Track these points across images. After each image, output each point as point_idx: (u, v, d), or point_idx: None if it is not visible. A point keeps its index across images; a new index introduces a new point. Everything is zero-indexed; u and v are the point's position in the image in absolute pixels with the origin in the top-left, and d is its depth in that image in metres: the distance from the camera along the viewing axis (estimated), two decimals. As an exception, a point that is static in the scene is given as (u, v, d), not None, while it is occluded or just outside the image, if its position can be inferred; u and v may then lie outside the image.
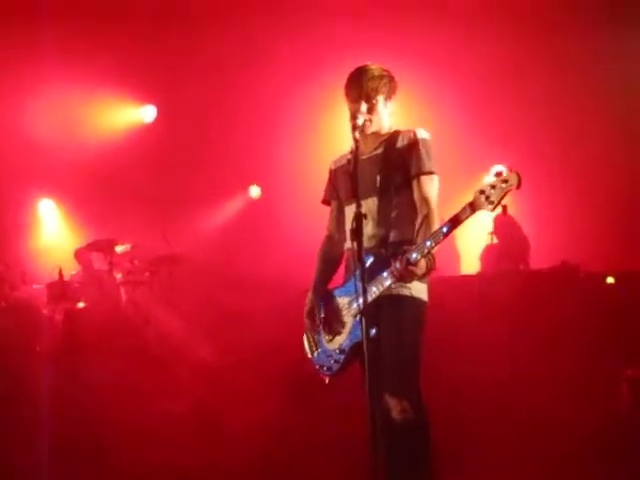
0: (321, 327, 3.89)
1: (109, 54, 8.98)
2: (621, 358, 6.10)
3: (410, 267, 3.49)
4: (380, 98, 3.85)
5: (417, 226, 3.72)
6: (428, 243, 3.49)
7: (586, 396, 5.93)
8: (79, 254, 8.63)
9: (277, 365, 6.29)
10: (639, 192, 8.44)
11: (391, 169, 3.77)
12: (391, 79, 3.90)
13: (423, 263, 3.53)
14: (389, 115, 3.92)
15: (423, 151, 3.75)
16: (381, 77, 3.86)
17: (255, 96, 9.50)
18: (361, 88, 3.80)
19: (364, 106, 3.79)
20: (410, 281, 3.63)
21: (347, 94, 3.87)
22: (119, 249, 8.41)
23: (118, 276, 8.33)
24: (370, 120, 3.82)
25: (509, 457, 5.54)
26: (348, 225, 3.88)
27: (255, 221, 9.98)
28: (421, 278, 3.62)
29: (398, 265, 3.51)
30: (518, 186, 3.36)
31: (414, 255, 3.50)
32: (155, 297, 8.18)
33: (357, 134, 3.71)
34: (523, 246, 8.56)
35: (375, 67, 3.89)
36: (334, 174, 4.06)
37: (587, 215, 8.72)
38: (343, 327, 3.78)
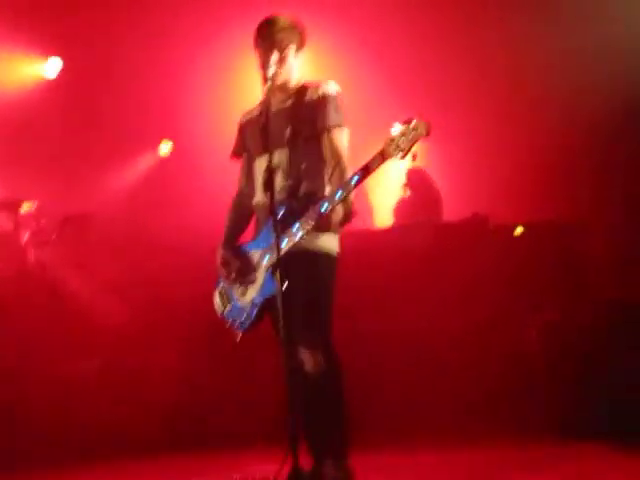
0: (232, 281, 3.84)
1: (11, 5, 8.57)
2: (530, 305, 6.29)
3: (324, 215, 3.47)
4: (291, 49, 3.81)
5: (327, 177, 3.72)
6: (339, 193, 3.48)
7: (497, 343, 6.11)
8: None
9: (190, 324, 6.24)
10: (544, 142, 8.57)
11: (300, 122, 3.74)
12: (302, 30, 3.87)
13: (339, 210, 3.52)
14: (298, 68, 3.88)
15: (332, 104, 3.73)
16: (292, 27, 3.83)
17: (165, 49, 9.25)
18: (272, 38, 3.75)
19: (275, 56, 3.73)
20: (326, 230, 3.61)
21: (257, 44, 3.82)
22: (24, 208, 8.13)
23: (24, 236, 8.06)
24: (280, 71, 3.77)
25: (423, 402, 5.70)
26: (258, 178, 3.85)
27: (166, 178, 9.79)
28: (336, 227, 3.60)
29: (311, 214, 3.50)
30: (427, 134, 3.38)
31: (325, 205, 3.49)
32: (63, 257, 7.96)
33: (269, 85, 3.68)
34: (435, 198, 8.65)
35: (285, 18, 3.84)
36: (243, 127, 4.02)
37: (496, 165, 8.85)
38: (255, 281, 3.74)
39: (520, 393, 5.75)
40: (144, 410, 6.06)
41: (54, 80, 9.63)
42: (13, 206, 8.01)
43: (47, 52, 9.55)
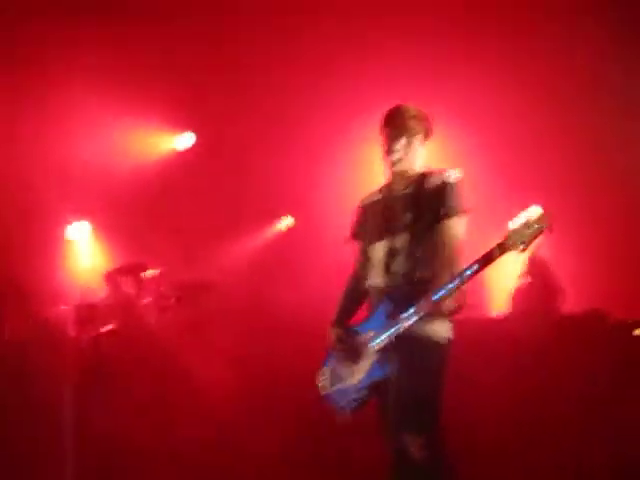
0: (341, 361, 3.84)
1: (149, 81, 9.08)
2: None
3: (435, 306, 3.47)
4: (418, 137, 3.90)
5: (439, 267, 3.70)
6: (455, 282, 3.47)
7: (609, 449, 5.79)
8: (109, 277, 8.67)
9: (292, 403, 6.24)
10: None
11: (421, 208, 3.78)
12: (429, 121, 3.96)
13: (449, 302, 3.50)
14: (422, 156, 3.95)
15: (452, 192, 3.75)
16: (420, 116, 3.92)
17: (293, 128, 9.54)
18: (401, 125, 3.86)
19: (403, 141, 3.82)
20: (437, 317, 3.59)
21: (384, 130, 3.92)
22: (148, 274, 8.44)
23: (145, 301, 8.34)
24: (405, 157, 3.85)
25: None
26: (375, 261, 3.88)
27: (285, 252, 9.96)
28: (447, 316, 3.57)
29: (424, 302, 3.49)
30: (550, 228, 3.32)
31: (439, 293, 3.48)
32: (181, 323, 8.17)
33: (393, 170, 3.76)
34: (554, 288, 8.43)
35: (414, 107, 3.96)
36: (362, 211, 4.09)
37: (618, 262, 8.58)
38: (364, 363, 3.73)
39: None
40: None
41: (185, 154, 10.07)
42: (137, 271, 8.32)
43: (181, 127, 10.04)
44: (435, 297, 3.48)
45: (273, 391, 6.64)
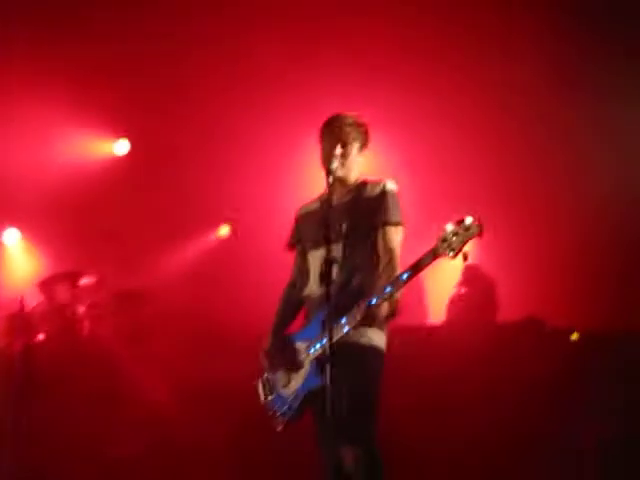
0: (277, 371, 3.82)
1: (80, 85, 8.94)
2: (586, 414, 6.08)
3: (371, 311, 3.47)
4: (355, 145, 3.90)
5: (379, 273, 3.71)
6: (388, 289, 3.49)
7: (549, 451, 5.89)
8: (42, 284, 8.50)
9: (234, 410, 6.21)
10: (609, 246, 8.46)
11: (358, 217, 3.79)
12: (366, 130, 3.97)
13: (385, 307, 3.51)
14: (359, 165, 3.96)
15: (391, 202, 3.78)
16: (359, 125, 3.93)
17: (231, 139, 9.50)
18: (339, 133, 3.86)
19: (339, 150, 3.81)
20: (371, 325, 3.60)
21: (323, 137, 3.92)
22: (83, 282, 8.30)
23: (80, 309, 8.19)
24: (342, 165, 3.84)
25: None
26: (312, 270, 3.88)
27: (222, 260, 9.89)
28: (381, 324, 3.61)
29: (358, 309, 3.50)
30: (480, 234, 3.36)
31: (374, 300, 3.49)
32: (118, 331, 8.05)
33: (331, 179, 3.74)
34: (490, 297, 8.54)
35: (352, 115, 3.97)
36: (299, 220, 4.09)
37: (555, 268, 8.74)
38: (299, 372, 3.72)
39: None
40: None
41: (119, 160, 9.95)
42: (72, 279, 8.18)
43: (116, 133, 9.92)
44: (370, 303, 3.49)
45: (212, 399, 6.60)
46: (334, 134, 3.86)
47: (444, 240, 3.39)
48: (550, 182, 8.99)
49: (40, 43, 8.57)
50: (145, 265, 9.20)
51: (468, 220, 3.37)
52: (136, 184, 9.57)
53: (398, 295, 3.54)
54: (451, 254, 3.39)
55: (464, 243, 3.37)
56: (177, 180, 9.56)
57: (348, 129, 3.88)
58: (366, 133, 3.96)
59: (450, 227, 3.40)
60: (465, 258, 3.46)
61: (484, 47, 8.78)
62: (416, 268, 3.46)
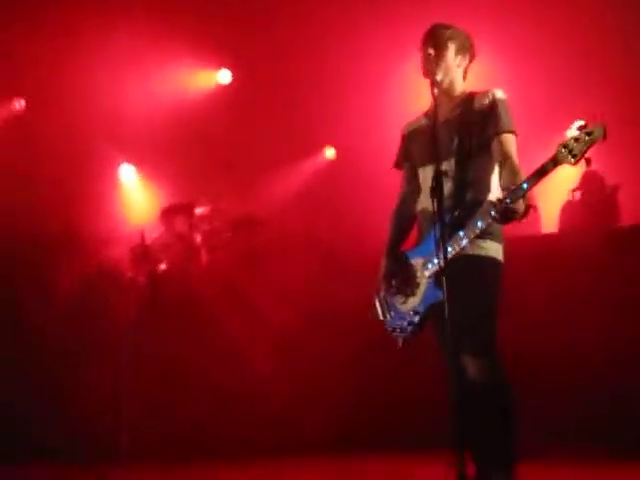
0: (395, 289, 3.86)
1: (186, 19, 9.03)
2: None
3: (510, 205, 3.38)
4: (451, 48, 3.84)
5: (497, 182, 3.68)
6: (508, 199, 3.39)
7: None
8: (163, 215, 8.75)
9: (352, 330, 6.31)
10: None
11: (469, 131, 3.74)
12: (466, 37, 3.91)
13: (521, 203, 3.41)
14: (462, 76, 3.90)
15: (502, 111, 3.71)
16: (462, 37, 3.88)
17: (331, 59, 9.41)
18: (443, 44, 3.80)
19: (444, 62, 3.78)
20: (511, 220, 3.48)
21: (424, 50, 3.84)
22: (198, 211, 8.51)
23: (198, 239, 8.43)
24: (446, 78, 3.81)
25: (587, 415, 5.46)
26: (424, 186, 3.87)
27: (331, 183, 9.94)
28: (521, 218, 3.46)
29: (497, 206, 3.41)
30: (604, 138, 3.27)
31: (508, 200, 3.40)
32: (235, 259, 8.27)
33: (436, 91, 3.69)
34: (608, 202, 8.29)
35: (454, 26, 3.90)
36: (407, 137, 4.05)
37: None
38: (417, 288, 3.75)
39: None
40: (311, 412, 6.20)
41: (223, 90, 10.06)
42: (188, 210, 8.41)
43: (217, 64, 10.01)
44: (507, 201, 3.38)
45: (331, 321, 6.73)
46: (436, 46, 3.80)
47: (565, 146, 3.32)
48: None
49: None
50: (257, 192, 9.34)
51: (591, 125, 3.29)
52: (240, 113, 9.65)
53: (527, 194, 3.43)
54: (573, 160, 3.32)
55: (586, 149, 3.29)
56: (280, 106, 9.59)
57: (451, 41, 3.82)
58: (470, 45, 3.89)
59: (572, 133, 3.33)
60: (588, 164, 3.38)
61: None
62: (536, 177, 3.38)
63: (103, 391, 6.43)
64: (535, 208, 3.56)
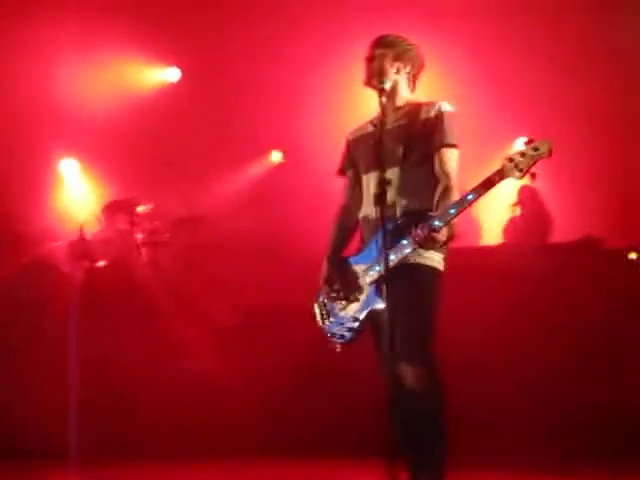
0: (335, 294, 3.87)
1: (134, 14, 8.93)
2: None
3: (432, 234, 3.46)
4: (407, 67, 3.90)
5: (437, 196, 3.71)
6: (452, 210, 3.48)
7: (604, 374, 5.85)
8: (105, 210, 8.64)
9: (291, 333, 6.31)
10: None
11: (414, 140, 3.77)
12: (418, 51, 3.96)
13: (445, 231, 3.51)
14: (409, 85, 3.95)
15: (447, 124, 3.74)
16: (410, 46, 3.93)
17: (282, 61, 9.42)
18: (391, 53, 3.86)
19: (392, 71, 3.83)
20: (431, 248, 3.61)
21: (374, 54, 3.89)
22: (140, 209, 8.42)
23: (139, 236, 8.34)
24: (393, 88, 3.85)
25: (521, 426, 5.55)
26: (367, 193, 3.88)
27: (274, 186, 9.94)
28: (441, 246, 3.60)
29: (420, 232, 3.49)
30: (549, 154, 3.34)
31: (437, 222, 3.48)
32: (175, 258, 8.20)
33: (383, 99, 3.73)
34: (546, 218, 8.47)
35: (402, 36, 3.96)
36: (352, 144, 4.07)
37: (612, 189, 8.60)
38: (358, 295, 3.76)
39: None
40: (246, 413, 6.17)
41: (171, 88, 9.98)
42: (130, 207, 8.32)
43: (166, 61, 9.93)
44: (434, 225, 3.47)
45: (271, 321, 6.72)
46: (369, 48, 3.89)
47: (511, 160, 3.39)
48: (608, 100, 8.77)
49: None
50: (200, 191, 9.29)
51: (537, 140, 3.36)
52: (188, 111, 9.60)
53: (454, 220, 3.52)
54: (518, 174, 3.39)
55: (532, 164, 3.37)
56: (228, 107, 9.56)
57: (381, 39, 3.90)
58: (407, 46, 3.92)
59: (518, 147, 3.40)
60: (533, 178, 3.45)
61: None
62: (481, 189, 3.44)
63: (42, 383, 6.31)
64: (457, 236, 3.62)
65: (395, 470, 3.21)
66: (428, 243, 3.52)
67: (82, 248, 7.85)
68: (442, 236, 3.51)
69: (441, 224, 3.47)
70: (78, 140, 9.43)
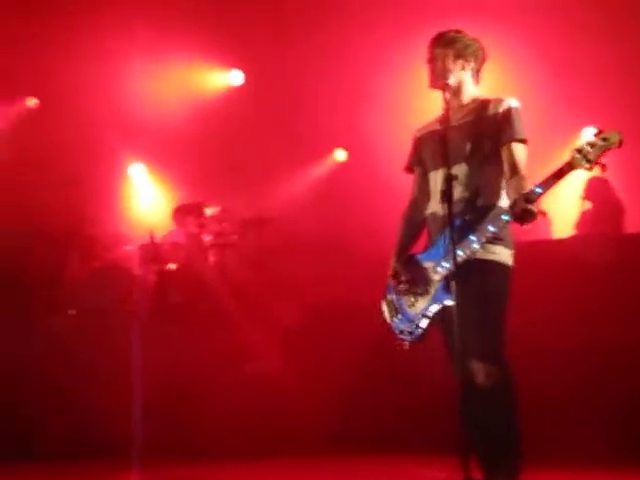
0: (404, 289, 3.87)
1: (198, 20, 9.07)
2: None
3: (529, 206, 3.41)
4: (471, 63, 3.89)
5: (505, 190, 3.69)
6: (538, 189, 3.43)
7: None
8: (175, 214, 8.77)
9: (359, 330, 6.31)
10: None
11: (482, 136, 3.76)
12: (481, 47, 3.94)
13: (535, 207, 3.46)
14: (471, 82, 3.92)
15: (516, 120, 3.73)
16: (472, 42, 3.91)
17: (344, 61, 9.44)
18: (454, 50, 3.85)
19: (456, 67, 3.83)
20: (497, 244, 3.57)
21: (435, 53, 3.88)
22: (208, 212, 8.52)
23: (207, 239, 8.45)
24: (458, 84, 3.85)
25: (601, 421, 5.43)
26: (434, 190, 3.88)
27: (339, 186, 9.96)
28: (535, 217, 3.50)
29: (487, 226, 3.51)
30: (619, 145, 3.30)
31: (506, 217, 3.48)
32: (242, 259, 8.29)
33: (448, 95, 3.74)
34: (617, 208, 8.28)
35: (464, 32, 3.95)
36: (419, 142, 4.07)
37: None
38: (427, 291, 3.76)
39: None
40: (314, 411, 6.20)
41: (235, 91, 10.09)
42: (198, 210, 8.43)
43: (230, 64, 10.04)
44: (504, 219, 3.47)
45: (340, 322, 6.74)
46: (429, 48, 3.90)
47: (580, 151, 3.35)
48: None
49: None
50: (267, 193, 9.37)
51: (606, 131, 3.32)
52: (252, 114, 9.69)
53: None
54: (588, 165, 3.35)
55: (601, 154, 3.32)
56: (291, 108, 9.61)
57: (440, 37, 3.89)
58: (468, 41, 3.90)
59: (587, 138, 3.35)
60: (603, 169, 3.40)
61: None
62: (551, 181, 3.43)
63: (111, 387, 6.45)
64: (544, 214, 3.59)
65: (468, 468, 3.19)
66: (524, 216, 3.45)
67: (153, 251, 7.97)
68: (535, 208, 3.44)
69: (509, 218, 3.46)
70: (146, 145, 9.59)
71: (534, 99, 7.53)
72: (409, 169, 4.14)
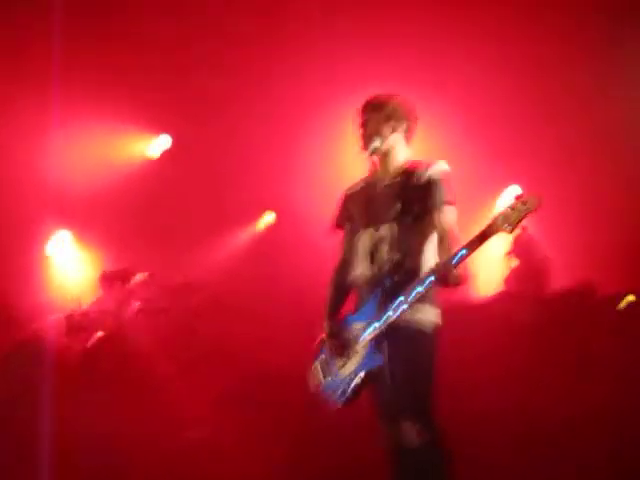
0: (335, 352, 3.87)
1: (122, 87, 9.09)
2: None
3: (452, 270, 3.48)
4: (402, 126, 3.91)
5: (436, 253, 3.74)
6: (464, 251, 3.49)
7: (610, 423, 5.79)
8: (102, 281, 8.65)
9: (293, 395, 6.26)
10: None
11: (411, 198, 3.78)
12: (403, 105, 3.95)
13: (461, 269, 3.53)
14: (404, 146, 3.95)
15: (440, 186, 3.76)
16: (390, 102, 3.93)
17: (270, 124, 9.55)
18: (384, 113, 3.88)
19: (386, 130, 3.85)
20: (425, 304, 3.63)
21: (365, 118, 3.91)
22: (137, 278, 8.45)
23: (136, 304, 8.35)
24: (387, 147, 3.87)
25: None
26: (361, 251, 3.88)
27: (269, 248, 9.98)
28: (458, 283, 3.57)
29: (437, 270, 3.52)
30: (537, 209, 3.39)
31: (451, 262, 3.51)
32: (173, 325, 8.19)
33: (377, 158, 3.81)
34: (542, 266, 8.50)
35: (395, 96, 3.97)
36: (348, 199, 4.06)
37: (605, 233, 8.65)
38: (357, 352, 3.75)
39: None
40: (249, 476, 6.09)
41: (163, 156, 10.09)
42: (126, 276, 8.34)
43: (156, 130, 10.05)
44: (453, 261, 3.49)
45: (267, 386, 6.68)
46: (359, 114, 3.91)
47: (501, 215, 3.43)
48: (596, 151, 8.89)
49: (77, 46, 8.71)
50: (196, 257, 9.33)
51: (525, 195, 3.41)
52: (179, 179, 9.70)
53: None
54: (509, 228, 3.43)
55: (522, 218, 3.40)
56: (219, 172, 9.67)
57: (368, 103, 3.92)
58: (396, 104, 3.92)
59: (508, 202, 3.43)
60: (524, 231, 3.50)
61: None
62: (473, 245, 3.48)
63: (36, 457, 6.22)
64: (471, 277, 3.65)
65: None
66: (449, 278, 3.51)
67: (79, 320, 7.83)
68: (460, 271, 3.51)
69: (433, 279, 3.51)
70: (72, 212, 9.48)
71: (462, 156, 7.76)
72: (338, 226, 4.13)
